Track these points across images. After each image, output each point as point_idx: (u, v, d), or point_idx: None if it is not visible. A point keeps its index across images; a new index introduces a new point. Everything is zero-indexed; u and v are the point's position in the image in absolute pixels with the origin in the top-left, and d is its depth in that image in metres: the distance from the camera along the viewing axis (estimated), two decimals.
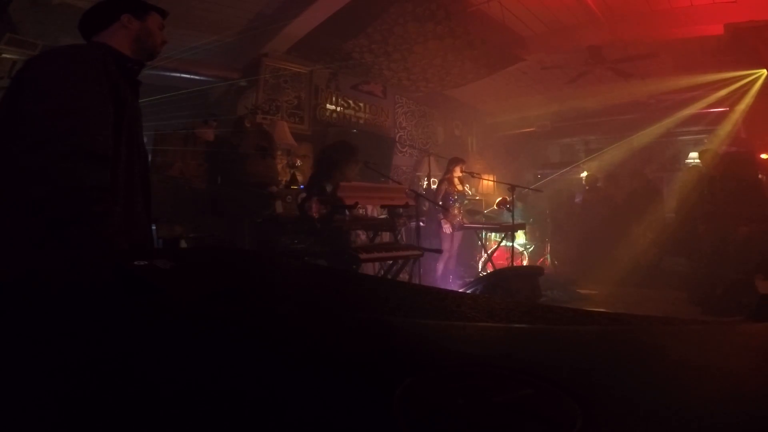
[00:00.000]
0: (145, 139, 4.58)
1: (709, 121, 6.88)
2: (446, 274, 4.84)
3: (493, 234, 5.71)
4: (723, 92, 6.35)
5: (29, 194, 1.05)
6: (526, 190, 5.93)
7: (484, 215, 6.59)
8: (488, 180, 7.34)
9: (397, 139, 7.09)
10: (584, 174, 7.72)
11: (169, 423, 0.27)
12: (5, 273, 0.67)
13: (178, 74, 4.91)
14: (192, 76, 5.16)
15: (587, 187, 7.09)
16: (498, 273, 4.40)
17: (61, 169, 1.06)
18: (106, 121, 1.18)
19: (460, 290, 3.79)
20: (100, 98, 1.18)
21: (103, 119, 1.17)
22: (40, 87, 1.14)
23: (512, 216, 4.99)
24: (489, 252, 5.30)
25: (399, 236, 4.14)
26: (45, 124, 1.08)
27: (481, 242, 5.49)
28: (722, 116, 6.66)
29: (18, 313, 0.44)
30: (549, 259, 6.54)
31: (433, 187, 6.22)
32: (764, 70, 5.79)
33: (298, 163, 5.13)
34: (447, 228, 4.75)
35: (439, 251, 4.23)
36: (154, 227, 3.83)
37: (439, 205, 4.70)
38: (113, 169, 1.20)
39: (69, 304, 0.47)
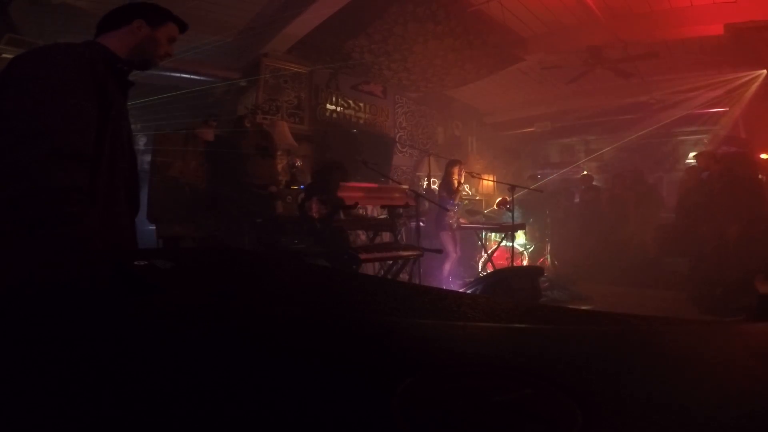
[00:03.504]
0: (145, 140, 4.53)
1: (709, 121, 6.89)
2: (449, 275, 4.84)
3: (493, 234, 5.70)
4: (723, 92, 6.35)
5: (2, 193, 1.03)
6: (526, 190, 5.94)
7: (484, 215, 6.59)
8: (488, 180, 7.35)
9: (397, 139, 7.09)
10: (584, 174, 7.73)
11: (169, 423, 0.27)
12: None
13: (178, 74, 4.91)
14: (192, 76, 5.16)
15: (587, 187, 7.09)
16: (498, 273, 4.40)
17: (34, 168, 1.04)
18: (87, 121, 1.16)
19: (460, 290, 3.80)
20: (82, 97, 1.16)
21: (82, 119, 1.15)
22: (20, 85, 1.11)
23: (512, 216, 4.99)
24: (489, 252, 5.30)
25: (399, 236, 4.14)
26: (21, 123, 1.07)
27: (481, 242, 5.49)
28: (722, 116, 6.67)
29: (36, 315, 0.44)
30: (549, 259, 6.54)
31: (434, 187, 6.23)
32: (764, 70, 5.79)
33: (298, 163, 5.13)
34: (453, 221, 4.78)
35: (439, 251, 4.23)
36: (153, 227, 3.83)
37: (439, 205, 4.70)
38: (93, 170, 1.18)
39: (56, 306, 0.47)
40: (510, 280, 3.74)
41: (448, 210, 4.67)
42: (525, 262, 6.11)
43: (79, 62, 1.18)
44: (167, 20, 1.40)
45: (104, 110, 1.22)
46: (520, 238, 6.14)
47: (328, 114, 6.17)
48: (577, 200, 7.32)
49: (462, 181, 5.11)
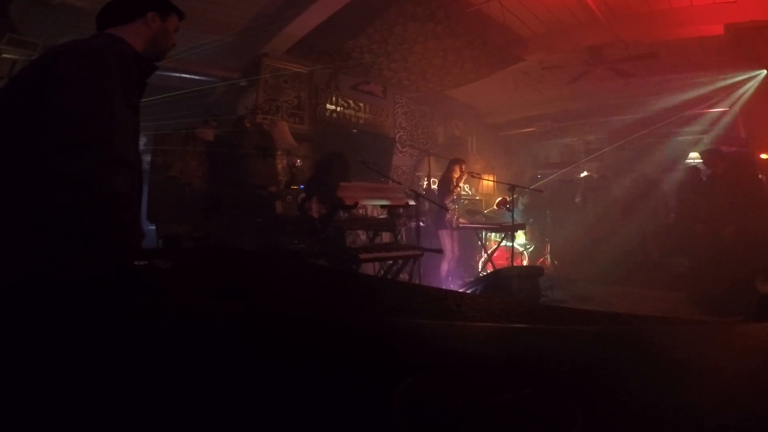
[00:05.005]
0: (145, 139, 4.54)
1: (709, 121, 6.88)
2: (448, 274, 4.85)
3: (493, 234, 5.70)
4: (723, 92, 6.35)
5: (57, 199, 1.01)
6: (526, 190, 5.94)
7: (484, 215, 6.58)
8: (488, 180, 7.35)
9: (397, 139, 7.09)
10: (584, 174, 7.72)
11: (169, 422, 0.27)
12: (28, 277, 0.67)
13: (178, 74, 4.91)
14: (192, 76, 5.16)
15: (587, 188, 7.09)
16: (498, 273, 4.40)
17: (91, 176, 1.03)
18: (129, 128, 1.16)
19: (460, 290, 3.80)
20: (125, 103, 1.14)
21: (126, 125, 1.14)
22: (68, 85, 1.08)
23: (512, 216, 4.99)
24: (489, 252, 5.30)
25: (399, 236, 4.14)
26: (73, 127, 1.04)
27: (481, 242, 5.49)
28: (722, 116, 6.67)
29: (39, 316, 0.44)
30: (549, 259, 6.54)
31: (434, 187, 6.24)
32: (764, 70, 5.78)
33: (298, 163, 5.13)
34: (451, 219, 4.80)
35: (440, 251, 4.23)
36: (153, 227, 3.84)
37: (439, 204, 4.71)
38: None
39: (77, 306, 0.47)
40: (510, 280, 3.74)
41: (447, 210, 4.68)
42: (525, 262, 6.11)
43: (124, 65, 1.16)
44: (172, 11, 1.38)
45: (131, 112, 1.20)
46: (520, 238, 6.14)
47: (328, 114, 6.17)
48: (578, 200, 7.31)
49: (462, 183, 5.12)
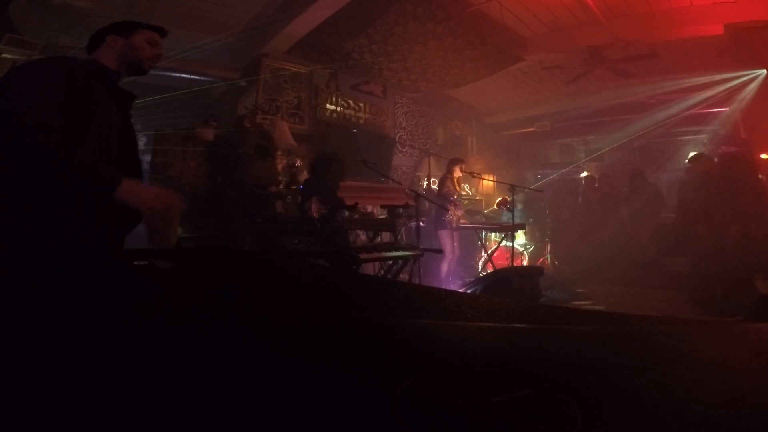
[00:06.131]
0: (145, 139, 4.52)
1: (709, 121, 6.89)
2: (448, 275, 4.85)
3: (493, 234, 5.70)
4: (723, 92, 6.35)
5: None
6: (526, 190, 5.94)
7: (484, 215, 6.58)
8: (488, 180, 7.35)
9: (397, 139, 7.09)
10: (584, 174, 7.73)
11: (169, 422, 0.27)
12: None
13: (178, 74, 4.91)
14: (192, 76, 5.16)
15: (587, 187, 7.09)
16: (498, 273, 4.39)
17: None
18: (50, 109, 1.32)
19: (460, 290, 3.79)
20: (51, 92, 1.32)
21: (43, 102, 1.31)
22: (2, 86, 1.35)
23: (512, 216, 4.99)
24: (489, 252, 5.30)
25: (399, 236, 4.13)
26: None
27: (481, 242, 5.49)
28: (722, 116, 6.67)
29: (34, 315, 0.44)
30: (549, 259, 6.54)
31: (434, 187, 6.24)
32: (764, 70, 5.79)
33: (298, 163, 5.13)
34: (451, 219, 4.79)
35: (440, 251, 4.22)
36: None
37: (439, 204, 4.71)
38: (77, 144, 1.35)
39: (68, 302, 0.47)
40: (510, 280, 3.74)
41: (447, 210, 4.69)
42: (525, 262, 6.10)
43: (55, 67, 1.37)
44: (137, 28, 1.54)
45: (86, 116, 1.37)
46: (520, 238, 6.14)
47: (328, 114, 6.17)
48: (579, 200, 7.32)
49: (461, 184, 5.12)
